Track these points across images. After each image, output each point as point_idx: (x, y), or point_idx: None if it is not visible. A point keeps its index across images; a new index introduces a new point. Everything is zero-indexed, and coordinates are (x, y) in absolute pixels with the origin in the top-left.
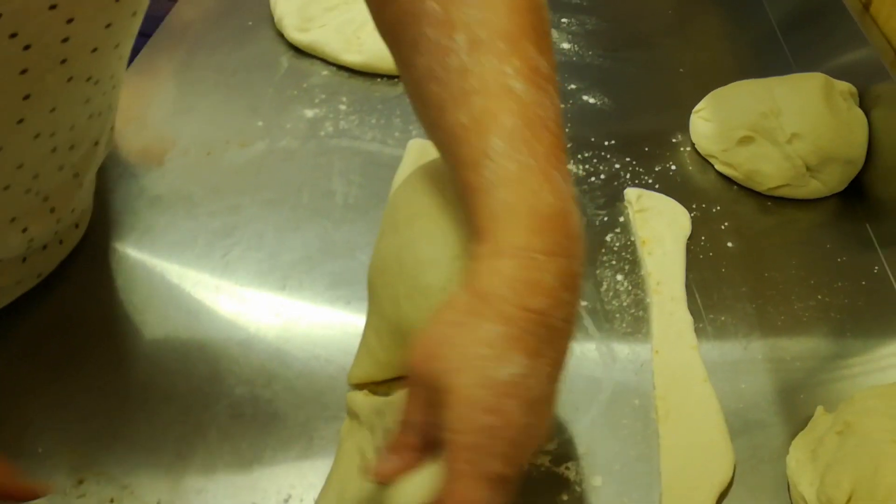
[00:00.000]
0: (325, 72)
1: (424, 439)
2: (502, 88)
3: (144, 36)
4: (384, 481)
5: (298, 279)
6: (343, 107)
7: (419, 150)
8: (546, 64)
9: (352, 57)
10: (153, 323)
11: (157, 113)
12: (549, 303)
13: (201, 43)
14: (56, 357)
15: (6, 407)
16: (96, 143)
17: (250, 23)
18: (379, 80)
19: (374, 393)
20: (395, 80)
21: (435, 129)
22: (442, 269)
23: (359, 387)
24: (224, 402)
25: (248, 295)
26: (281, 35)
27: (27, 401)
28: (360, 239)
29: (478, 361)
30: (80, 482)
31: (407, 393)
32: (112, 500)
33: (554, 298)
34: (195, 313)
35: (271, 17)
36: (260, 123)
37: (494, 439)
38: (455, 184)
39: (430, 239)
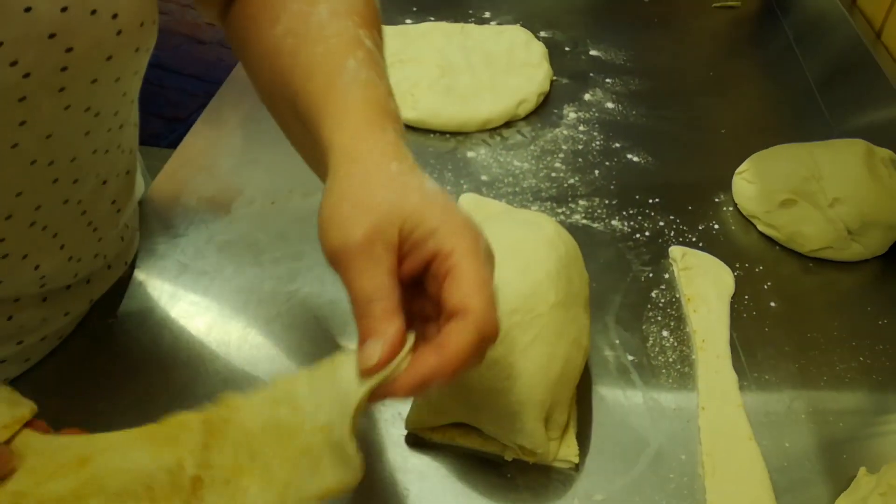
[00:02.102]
0: None
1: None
2: (355, 38)
3: (214, 83)
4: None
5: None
6: None
7: (471, 205)
8: (379, 55)
9: (406, 113)
10: (220, 363)
11: (224, 163)
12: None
13: None
14: (122, 392)
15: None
16: (104, 182)
17: None
18: (432, 135)
19: (430, 438)
20: (447, 135)
21: (284, 73)
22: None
23: (415, 431)
24: None
25: (310, 338)
26: None
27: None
28: None
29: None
30: None
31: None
32: None
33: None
34: (262, 354)
35: None
36: None
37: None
38: (305, 99)
39: None
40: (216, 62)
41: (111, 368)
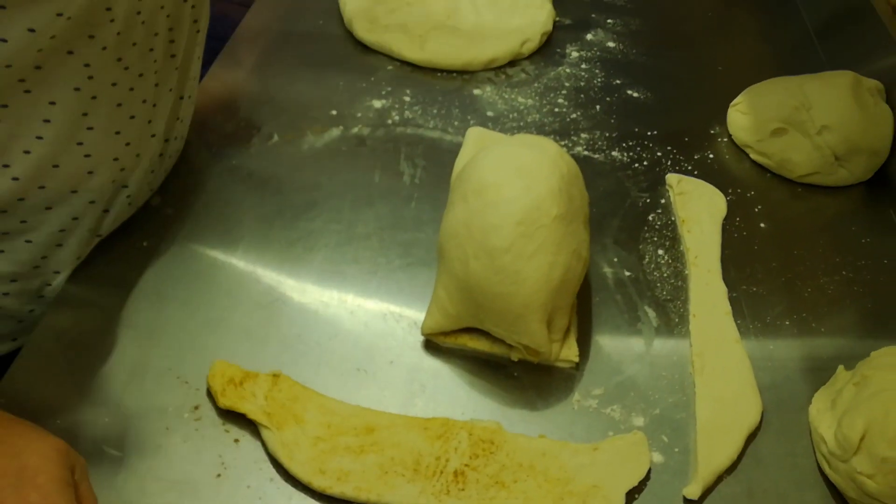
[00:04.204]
0: (391, 66)
1: None
2: None
3: (219, 40)
4: None
5: (373, 247)
6: (407, 98)
7: (478, 137)
8: None
9: (415, 54)
10: (247, 285)
11: (242, 103)
12: None
13: (278, 41)
14: (151, 313)
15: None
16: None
17: (321, 22)
18: (439, 74)
19: (443, 343)
20: (454, 74)
21: None
22: (506, 232)
23: (430, 336)
24: (315, 350)
25: (330, 259)
26: (350, 34)
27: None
28: (426, 214)
29: None
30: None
31: None
32: None
33: None
34: (284, 272)
35: (340, 18)
36: (334, 112)
37: None
38: None
39: (496, 207)
40: (221, 18)
41: (140, 290)
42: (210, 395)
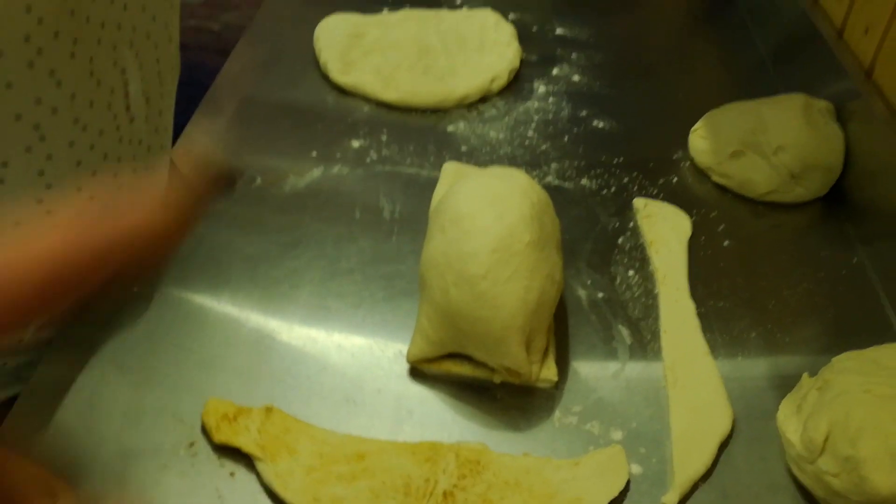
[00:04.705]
0: (367, 108)
1: None
2: None
3: (197, 87)
4: None
5: (356, 282)
6: (384, 137)
7: (453, 171)
8: None
9: (389, 95)
10: (231, 320)
11: (225, 148)
12: None
13: (257, 87)
14: (150, 368)
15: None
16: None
17: (298, 68)
18: (414, 113)
19: (428, 370)
20: (428, 112)
21: None
22: (483, 259)
23: (415, 364)
24: (305, 383)
25: (315, 295)
26: (326, 78)
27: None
28: (406, 247)
29: None
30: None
31: None
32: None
33: None
34: (271, 310)
35: (316, 63)
36: (314, 154)
37: None
38: None
39: (471, 236)
40: (199, 65)
41: (132, 334)
42: (205, 431)
